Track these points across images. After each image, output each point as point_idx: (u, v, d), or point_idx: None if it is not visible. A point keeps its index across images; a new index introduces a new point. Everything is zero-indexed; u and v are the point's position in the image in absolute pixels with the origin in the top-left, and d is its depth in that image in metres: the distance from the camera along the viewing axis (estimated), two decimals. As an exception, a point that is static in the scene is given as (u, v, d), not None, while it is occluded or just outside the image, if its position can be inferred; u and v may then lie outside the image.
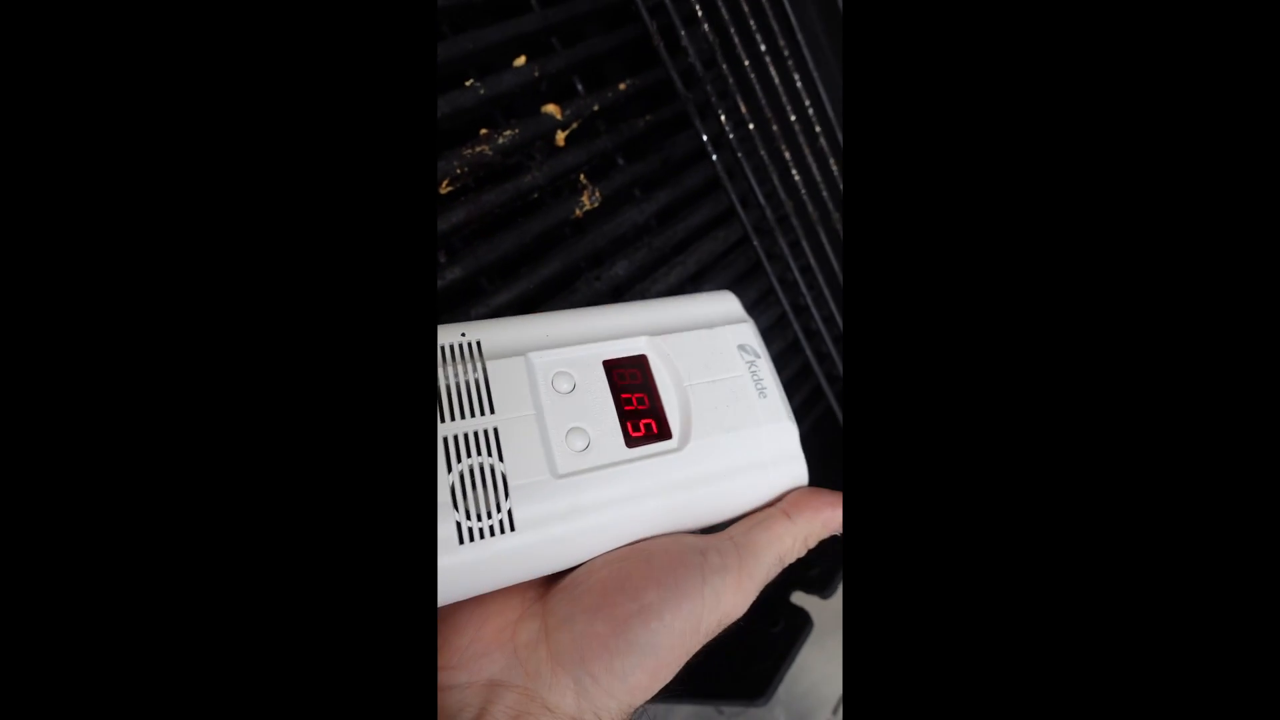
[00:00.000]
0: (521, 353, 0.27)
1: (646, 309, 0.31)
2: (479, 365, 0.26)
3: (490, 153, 0.40)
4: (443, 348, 0.26)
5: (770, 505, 0.28)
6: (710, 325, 0.30)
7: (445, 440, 0.23)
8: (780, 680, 0.37)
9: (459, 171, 0.39)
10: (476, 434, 0.24)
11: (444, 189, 0.39)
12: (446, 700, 0.23)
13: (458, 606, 0.26)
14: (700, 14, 0.49)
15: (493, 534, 0.23)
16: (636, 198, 0.47)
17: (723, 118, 0.50)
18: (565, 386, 0.27)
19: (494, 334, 0.27)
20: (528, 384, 0.26)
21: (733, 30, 0.49)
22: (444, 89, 0.40)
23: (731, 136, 0.50)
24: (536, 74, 0.43)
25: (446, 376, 0.25)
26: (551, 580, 0.27)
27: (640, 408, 0.28)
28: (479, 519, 0.23)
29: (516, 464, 0.24)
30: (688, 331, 0.30)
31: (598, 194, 0.45)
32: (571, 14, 0.45)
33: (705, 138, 0.50)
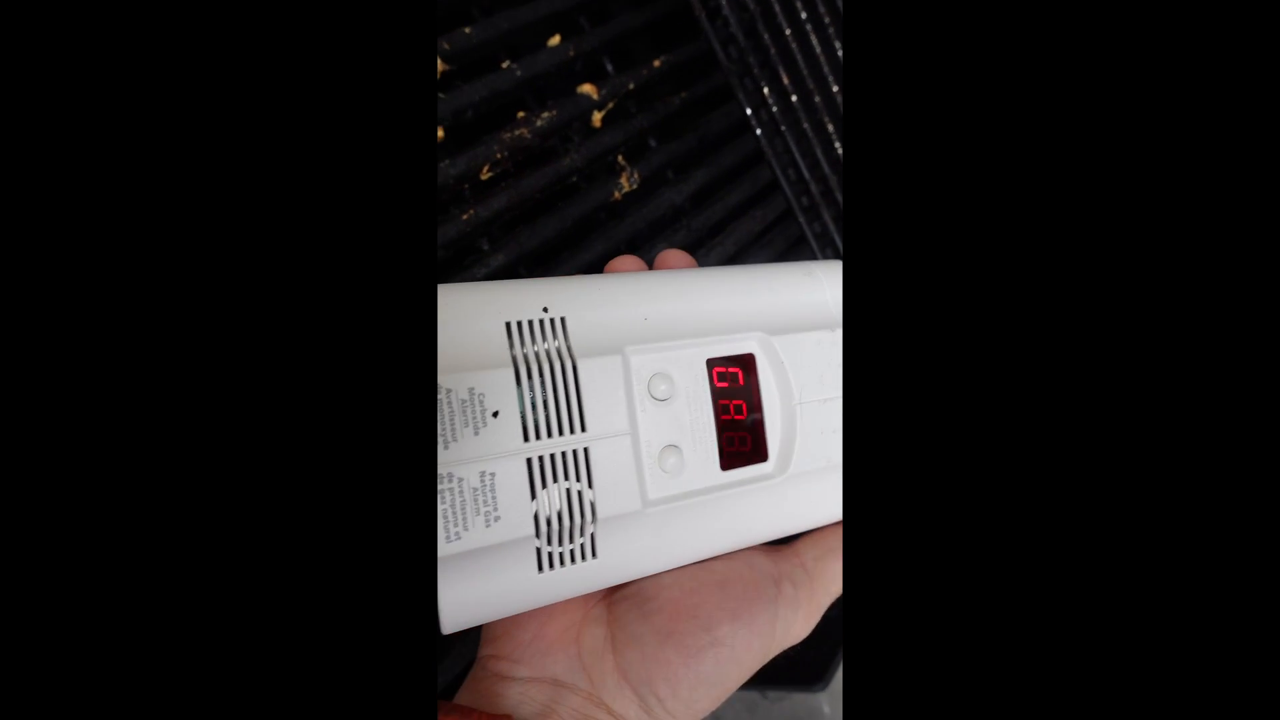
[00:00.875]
0: (618, 348, 0.23)
1: (754, 284, 0.26)
2: (568, 364, 0.22)
3: (529, 135, 0.39)
4: (519, 324, 0.22)
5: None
6: (833, 325, 0.26)
7: (530, 462, 0.22)
8: (839, 665, 0.37)
9: (499, 156, 0.38)
10: (565, 455, 0.22)
11: (484, 175, 0.38)
12: (507, 691, 0.24)
13: None
14: (735, -20, 0.47)
15: (573, 560, 0.22)
16: (671, 179, 0.46)
17: (765, 89, 0.48)
18: (663, 392, 0.24)
19: (581, 310, 0.23)
20: (624, 391, 0.23)
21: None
22: (480, 72, 0.38)
23: (774, 109, 0.49)
24: (571, 53, 0.41)
25: (529, 370, 0.22)
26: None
27: (738, 418, 0.25)
28: (560, 544, 0.22)
29: (607, 491, 0.22)
30: (807, 333, 0.25)
31: (636, 175, 0.43)
32: (604, -13, 0.43)
33: (749, 110, 0.48)
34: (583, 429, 0.22)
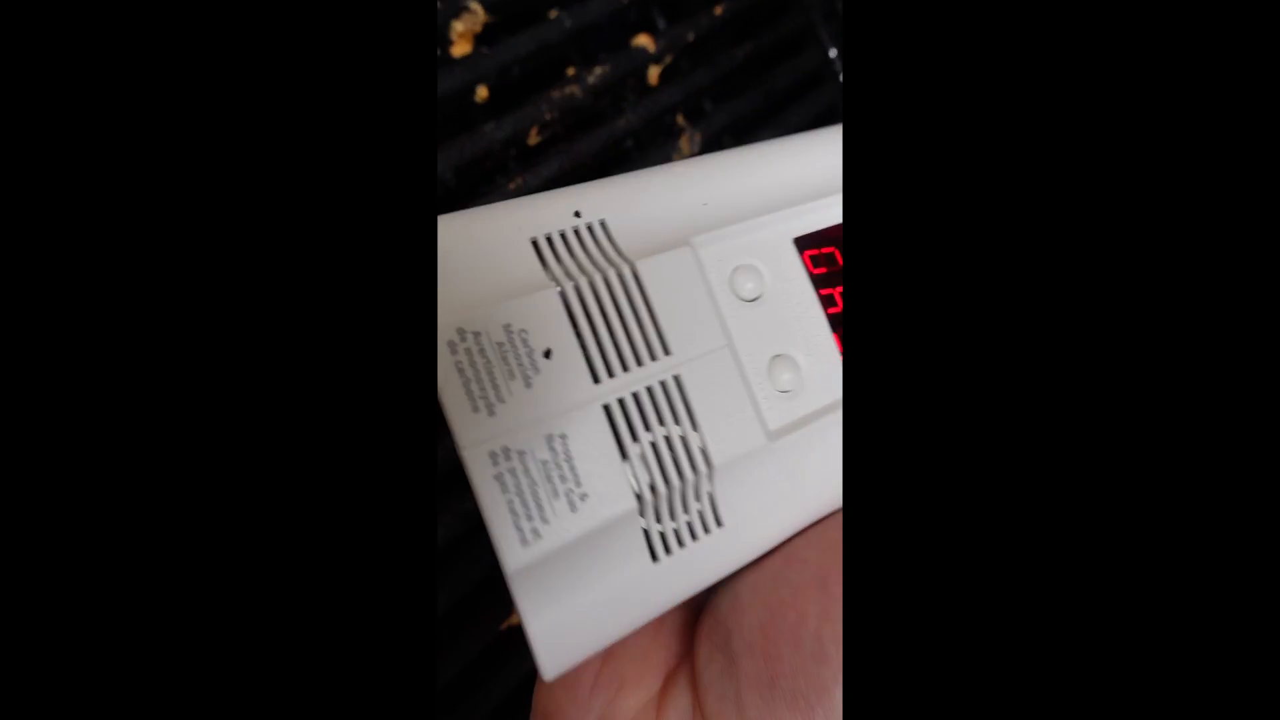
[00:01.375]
0: (683, 239, 0.18)
1: (817, 145, 0.21)
2: (625, 269, 0.17)
3: (580, 94, 0.35)
4: (548, 238, 0.17)
5: None
6: None
7: (609, 409, 0.16)
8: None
9: (549, 118, 0.34)
10: (653, 391, 0.17)
11: (533, 139, 0.35)
12: None
13: (576, 670, 0.18)
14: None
15: (693, 536, 0.17)
16: (730, 143, 0.41)
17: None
18: (751, 290, 0.19)
19: (622, 208, 0.18)
20: (705, 292, 0.18)
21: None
22: (527, 23, 0.35)
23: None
24: (625, 0, 0.37)
25: (577, 289, 0.17)
26: (692, 612, 0.19)
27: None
28: (673, 517, 0.17)
29: (716, 429, 0.17)
30: None
31: (698, 137, 0.39)
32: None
33: (833, 53, 0.44)
34: (665, 351, 0.17)
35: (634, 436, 0.17)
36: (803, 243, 0.20)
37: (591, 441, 0.16)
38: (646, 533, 0.17)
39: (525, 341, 0.16)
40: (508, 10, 0.35)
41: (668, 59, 0.39)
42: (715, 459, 0.17)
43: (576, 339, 0.17)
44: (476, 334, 0.16)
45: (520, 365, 0.16)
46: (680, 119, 0.40)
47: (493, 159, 0.34)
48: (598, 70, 0.36)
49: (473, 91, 0.33)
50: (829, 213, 0.20)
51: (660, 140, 0.39)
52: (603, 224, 0.18)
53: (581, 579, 0.16)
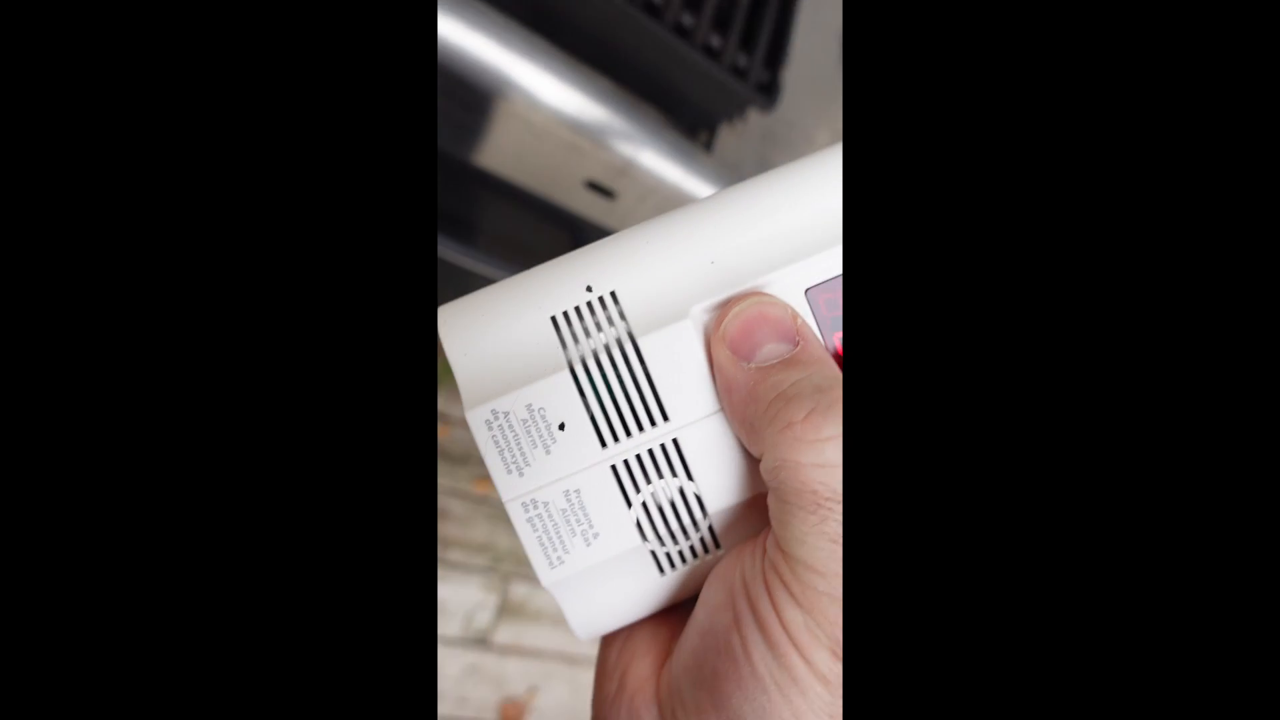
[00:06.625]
0: (683, 310, 0.20)
1: (829, 169, 0.21)
2: (629, 348, 0.20)
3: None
4: (565, 315, 0.20)
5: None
6: None
7: (615, 469, 0.20)
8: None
9: None
10: (653, 453, 0.20)
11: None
12: None
13: (609, 639, 0.23)
14: None
15: (694, 556, 0.21)
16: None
17: None
18: None
19: (630, 277, 0.20)
20: (702, 360, 0.20)
21: None
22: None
23: None
24: None
25: (585, 366, 0.20)
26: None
27: None
28: (675, 542, 0.21)
29: (711, 480, 0.21)
30: None
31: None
32: None
33: None
34: (664, 418, 0.20)
35: (637, 488, 0.21)
36: (815, 291, 0.20)
37: (601, 494, 0.21)
38: (654, 554, 0.21)
39: (544, 417, 0.20)
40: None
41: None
42: (710, 506, 0.21)
43: (586, 412, 0.20)
44: (506, 414, 0.20)
45: (541, 436, 0.20)
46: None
47: None
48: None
49: None
50: (838, 255, 0.20)
51: None
52: (613, 294, 0.20)
53: (602, 586, 0.22)
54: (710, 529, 0.21)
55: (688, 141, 0.55)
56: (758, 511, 0.21)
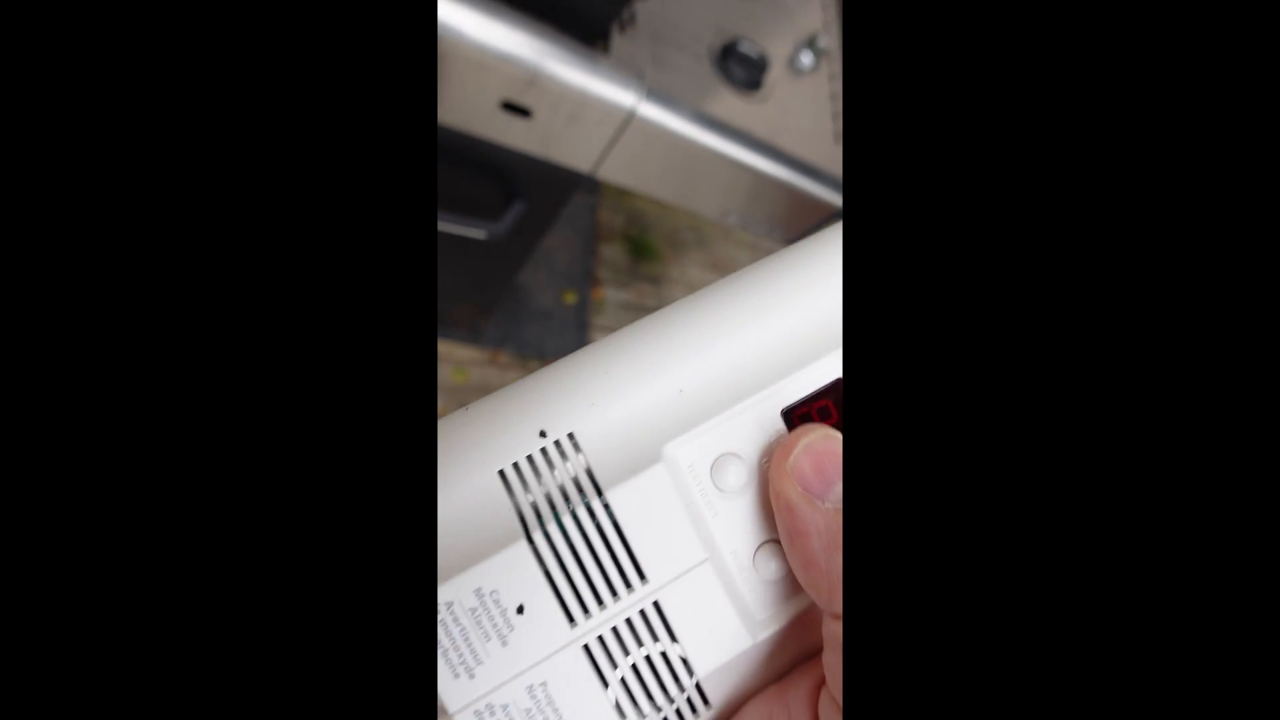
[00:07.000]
0: (654, 451, 0.17)
1: (811, 268, 0.19)
2: (596, 505, 0.17)
3: None
4: (516, 467, 0.17)
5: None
6: None
7: (588, 648, 0.17)
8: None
9: None
10: (631, 622, 0.17)
11: None
12: None
13: None
14: None
15: (681, 718, 0.18)
16: None
17: None
18: (736, 479, 0.17)
19: (589, 415, 0.17)
20: (682, 507, 0.17)
21: None
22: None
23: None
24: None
25: (544, 530, 0.16)
26: None
27: None
28: (659, 710, 0.18)
29: (697, 641, 0.17)
30: None
31: None
32: None
33: None
34: (642, 580, 0.17)
35: (614, 664, 0.17)
36: (791, 411, 0.18)
37: (572, 681, 0.17)
38: None
39: (497, 602, 0.16)
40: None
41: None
42: (698, 669, 0.18)
43: (550, 586, 0.17)
44: (449, 605, 0.16)
45: (495, 625, 0.16)
46: None
47: None
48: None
49: None
50: (825, 370, 0.18)
51: None
52: (571, 437, 0.17)
53: None
54: (698, 686, 0.18)
55: (585, 46, 0.59)
56: (747, 661, 0.18)
